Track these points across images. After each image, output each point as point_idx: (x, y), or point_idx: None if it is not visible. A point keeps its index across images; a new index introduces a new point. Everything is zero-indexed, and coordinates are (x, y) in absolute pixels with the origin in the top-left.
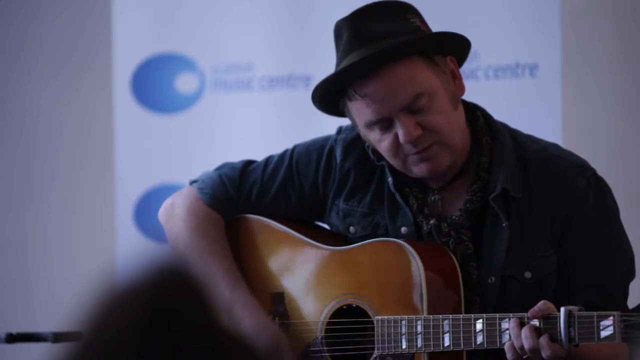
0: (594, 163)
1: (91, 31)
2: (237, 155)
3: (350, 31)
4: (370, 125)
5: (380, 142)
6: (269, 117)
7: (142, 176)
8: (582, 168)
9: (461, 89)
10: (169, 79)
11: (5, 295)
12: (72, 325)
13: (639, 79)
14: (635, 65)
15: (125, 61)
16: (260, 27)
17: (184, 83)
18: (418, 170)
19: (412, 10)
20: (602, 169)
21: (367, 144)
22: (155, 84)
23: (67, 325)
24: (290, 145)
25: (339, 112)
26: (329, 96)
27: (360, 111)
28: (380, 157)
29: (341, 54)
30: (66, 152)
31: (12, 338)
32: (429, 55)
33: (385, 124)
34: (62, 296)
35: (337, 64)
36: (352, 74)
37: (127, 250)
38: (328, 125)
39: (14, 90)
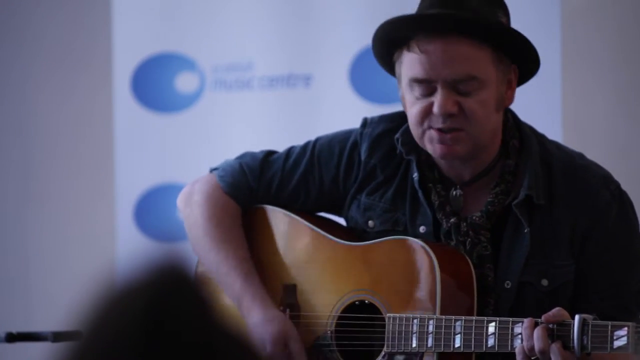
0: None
1: (91, 30)
2: (237, 154)
3: None
4: (413, 82)
5: (414, 104)
6: (269, 117)
7: (142, 176)
8: (606, 180)
9: (510, 99)
10: (169, 78)
11: (5, 295)
12: (71, 325)
13: (638, 79)
14: (635, 65)
15: (125, 61)
16: (260, 26)
17: (184, 82)
18: (432, 148)
19: (504, 9)
20: None
21: (396, 135)
22: (155, 84)
23: (66, 324)
24: (289, 145)
25: (388, 64)
26: (389, 43)
27: (412, 65)
28: (408, 150)
29: (424, 4)
30: (66, 152)
31: (12, 337)
32: (499, 52)
33: (428, 88)
34: (62, 296)
35: (424, 5)
36: (426, 25)
37: (127, 249)
38: (328, 125)
39: (14, 90)
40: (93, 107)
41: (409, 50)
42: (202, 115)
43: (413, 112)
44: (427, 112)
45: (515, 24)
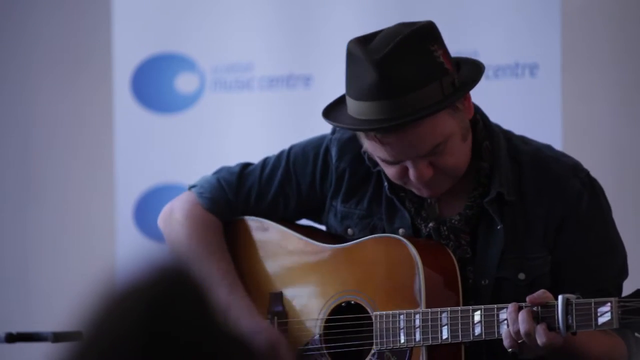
0: (593, 163)
1: (91, 31)
2: (236, 155)
3: (377, 74)
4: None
5: (387, 166)
6: (269, 117)
7: (142, 176)
8: (575, 169)
9: (470, 111)
10: (169, 78)
11: (5, 295)
12: (72, 325)
13: (639, 79)
14: (635, 65)
15: (125, 61)
16: (260, 27)
17: (184, 83)
18: (418, 192)
19: (434, 37)
20: (602, 169)
21: (363, 149)
22: (155, 84)
23: (67, 325)
24: (288, 146)
25: None
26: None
27: (375, 149)
28: (375, 163)
29: (362, 91)
30: (66, 152)
31: (12, 338)
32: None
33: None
34: (62, 296)
35: (357, 91)
36: (376, 129)
37: (127, 250)
38: (328, 125)
39: (14, 90)
40: (93, 107)
41: (367, 138)
42: (202, 116)
43: (389, 173)
44: (403, 174)
45: (516, 23)
